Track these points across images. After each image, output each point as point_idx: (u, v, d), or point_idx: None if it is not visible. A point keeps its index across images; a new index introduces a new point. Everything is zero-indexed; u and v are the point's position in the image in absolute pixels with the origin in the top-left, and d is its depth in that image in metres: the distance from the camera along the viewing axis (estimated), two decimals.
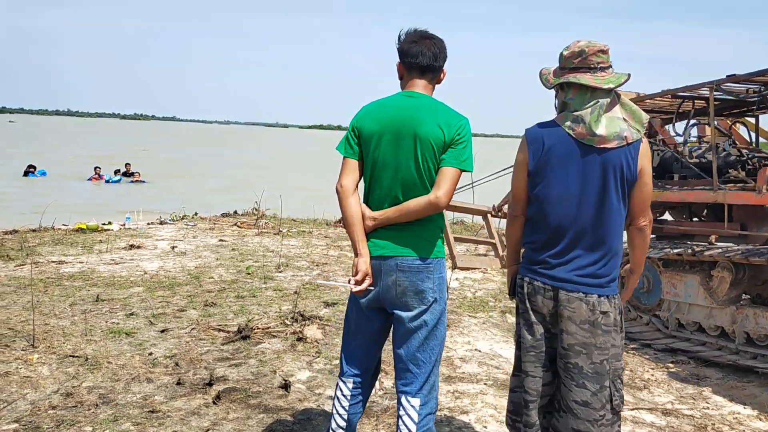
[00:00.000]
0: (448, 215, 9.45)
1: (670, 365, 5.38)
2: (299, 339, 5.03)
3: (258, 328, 5.24)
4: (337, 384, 2.90)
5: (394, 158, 2.67)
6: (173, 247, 8.93)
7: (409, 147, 2.65)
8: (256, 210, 13.40)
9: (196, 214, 12.68)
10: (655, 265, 5.94)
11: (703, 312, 5.49)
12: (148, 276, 7.13)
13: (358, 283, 2.66)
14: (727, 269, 5.23)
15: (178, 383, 4.11)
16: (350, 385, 2.86)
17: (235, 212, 13.32)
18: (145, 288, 6.57)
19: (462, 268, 8.23)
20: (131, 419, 3.61)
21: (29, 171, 22.19)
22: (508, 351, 5.20)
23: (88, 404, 3.77)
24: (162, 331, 5.18)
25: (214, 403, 3.86)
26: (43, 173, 22.52)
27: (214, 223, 11.71)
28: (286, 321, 5.47)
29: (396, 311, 2.72)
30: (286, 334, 5.17)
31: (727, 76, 5.32)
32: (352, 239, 2.72)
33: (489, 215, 9.12)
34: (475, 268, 8.31)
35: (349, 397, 2.85)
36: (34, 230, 10.05)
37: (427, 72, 2.75)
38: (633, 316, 6.25)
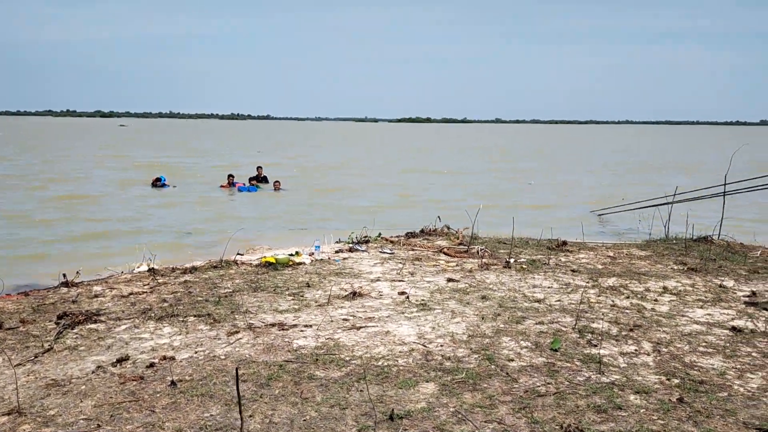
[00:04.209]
0: None
1: None
2: None
3: None
4: None
5: None
6: (403, 294, 6.79)
7: None
8: (447, 228, 11.20)
9: (380, 235, 10.58)
10: None
11: None
12: (418, 355, 4.97)
13: None
14: None
15: None
16: None
17: (422, 231, 11.13)
18: (438, 385, 4.39)
19: None
20: None
21: (155, 183, 20.82)
22: None
23: None
24: None
25: None
26: (163, 179, 21.04)
27: (412, 249, 9.56)
28: None
29: None
30: None
31: None
32: None
33: None
34: None
35: None
36: (215, 266, 8.21)
37: None
38: None
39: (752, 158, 33.38)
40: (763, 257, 9.22)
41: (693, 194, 11.96)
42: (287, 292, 6.89)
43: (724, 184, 10.49)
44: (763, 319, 6.07)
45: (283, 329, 5.61)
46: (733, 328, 5.73)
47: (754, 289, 7.19)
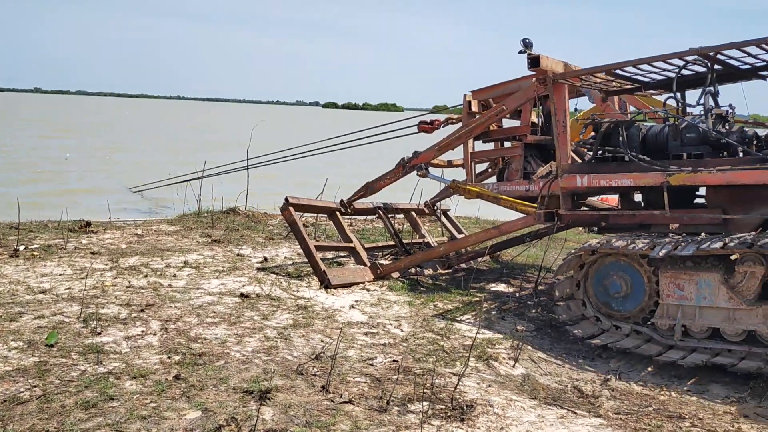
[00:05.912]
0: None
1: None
2: None
3: None
4: None
5: None
6: None
7: None
8: None
9: None
10: (636, 263, 5.22)
11: (721, 315, 4.88)
12: None
13: None
14: (758, 262, 4.69)
15: None
16: None
17: None
18: None
19: (337, 287, 6.48)
20: None
21: None
22: None
23: None
24: None
25: None
26: None
27: None
28: None
29: None
30: None
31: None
32: None
33: (338, 213, 7.45)
34: (351, 284, 6.62)
35: None
36: None
37: None
38: (605, 326, 5.43)
39: (270, 133, 37.07)
40: (280, 225, 10.15)
41: (223, 168, 12.51)
42: None
43: (247, 159, 11.21)
44: (269, 282, 6.60)
45: None
46: (242, 295, 6.07)
47: (266, 255, 7.82)
